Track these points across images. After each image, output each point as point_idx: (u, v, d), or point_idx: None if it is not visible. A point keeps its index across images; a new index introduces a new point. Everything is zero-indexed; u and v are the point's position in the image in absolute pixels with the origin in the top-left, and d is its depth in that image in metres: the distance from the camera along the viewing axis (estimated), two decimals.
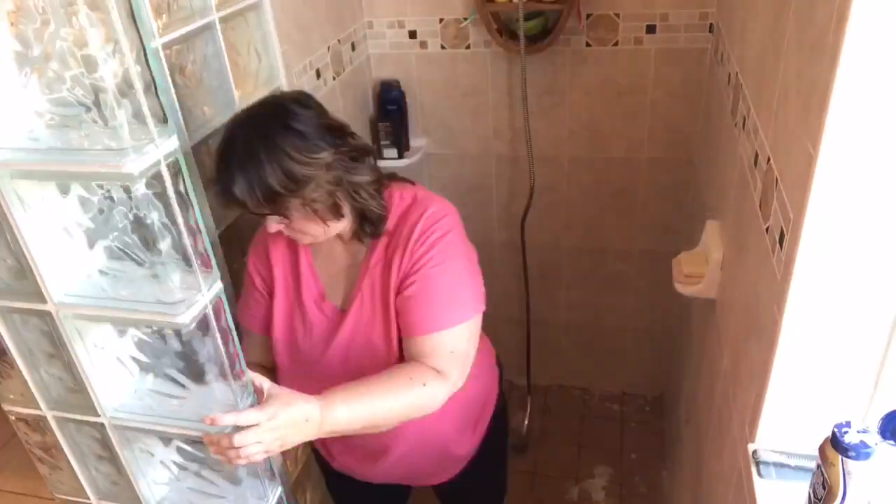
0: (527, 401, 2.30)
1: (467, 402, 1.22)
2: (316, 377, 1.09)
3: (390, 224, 1.09)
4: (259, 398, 1.03)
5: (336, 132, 1.02)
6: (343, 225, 1.07)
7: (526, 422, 2.27)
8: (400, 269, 1.06)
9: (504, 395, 1.40)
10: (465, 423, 1.26)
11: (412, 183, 1.15)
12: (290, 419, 0.98)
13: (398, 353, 1.10)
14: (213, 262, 1.22)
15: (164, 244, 1.13)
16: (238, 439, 0.96)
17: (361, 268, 1.12)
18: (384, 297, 1.09)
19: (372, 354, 1.11)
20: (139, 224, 1.13)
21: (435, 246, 1.05)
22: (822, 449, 0.73)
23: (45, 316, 1.20)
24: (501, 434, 1.40)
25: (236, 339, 1.32)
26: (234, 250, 1.33)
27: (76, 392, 1.31)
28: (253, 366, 1.14)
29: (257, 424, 0.97)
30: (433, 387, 1.02)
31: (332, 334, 1.14)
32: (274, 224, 1.04)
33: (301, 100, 1.03)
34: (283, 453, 1.55)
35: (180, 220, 1.10)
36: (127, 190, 1.09)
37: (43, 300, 1.18)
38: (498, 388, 1.37)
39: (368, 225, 1.08)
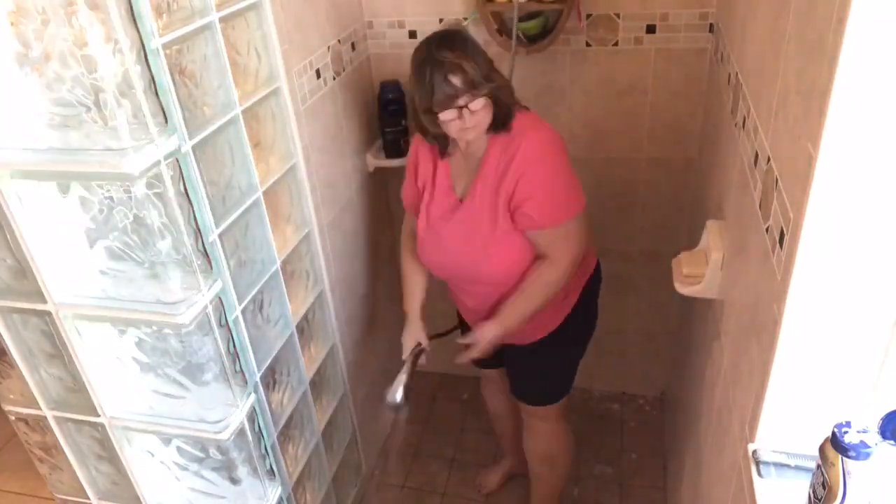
0: None
1: None
2: (441, 247, 1.52)
3: (514, 128, 1.39)
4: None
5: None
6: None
7: None
8: (516, 173, 1.37)
9: (598, 279, 1.66)
10: None
11: (528, 110, 1.47)
12: (487, 339, 1.50)
13: (501, 238, 1.42)
14: (213, 262, 1.22)
15: (164, 244, 1.13)
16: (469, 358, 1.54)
17: (481, 164, 1.42)
18: (495, 191, 1.40)
19: (480, 236, 1.44)
20: (139, 224, 1.13)
21: (541, 163, 1.37)
22: (821, 449, 0.73)
23: (45, 316, 1.21)
24: (584, 316, 1.63)
25: (236, 338, 1.33)
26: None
27: (76, 392, 1.31)
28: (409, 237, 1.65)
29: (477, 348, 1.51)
30: (555, 278, 1.44)
31: (451, 217, 1.48)
32: (451, 115, 1.33)
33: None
34: (283, 453, 1.55)
35: (180, 220, 1.10)
36: (127, 190, 1.09)
37: (43, 300, 1.18)
38: (593, 271, 1.62)
39: (499, 121, 1.38)
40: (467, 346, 1.53)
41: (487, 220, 1.43)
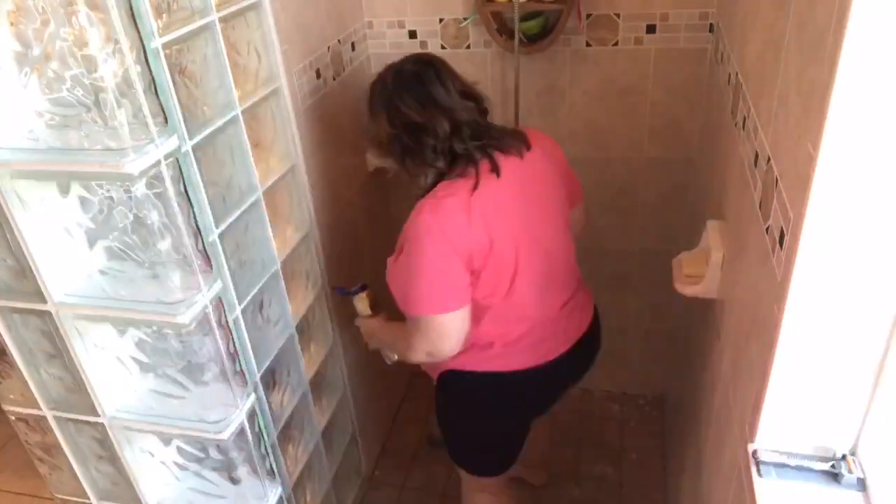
0: None
1: None
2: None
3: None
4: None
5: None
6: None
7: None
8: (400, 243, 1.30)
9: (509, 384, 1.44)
10: None
11: (468, 177, 1.27)
12: (365, 330, 1.61)
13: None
14: (213, 262, 1.22)
15: (164, 244, 1.13)
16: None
17: None
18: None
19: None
20: (139, 224, 1.13)
21: (414, 245, 1.24)
22: None
23: (45, 316, 1.21)
24: (451, 400, 1.50)
25: (236, 338, 1.33)
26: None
27: (76, 392, 1.31)
28: None
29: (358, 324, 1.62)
30: (406, 353, 1.37)
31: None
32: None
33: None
34: (283, 453, 1.55)
35: (180, 220, 1.10)
36: (127, 190, 1.09)
37: (43, 300, 1.18)
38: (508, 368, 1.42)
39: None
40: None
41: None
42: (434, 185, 1.30)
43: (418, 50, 1.93)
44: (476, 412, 1.48)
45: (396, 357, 1.59)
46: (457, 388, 1.46)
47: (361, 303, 1.61)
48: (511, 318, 1.35)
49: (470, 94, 1.33)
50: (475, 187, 1.24)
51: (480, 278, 1.28)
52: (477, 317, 1.33)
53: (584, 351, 1.50)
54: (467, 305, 1.28)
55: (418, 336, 1.30)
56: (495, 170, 1.28)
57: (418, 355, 1.34)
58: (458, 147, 1.28)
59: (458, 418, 1.53)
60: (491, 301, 1.31)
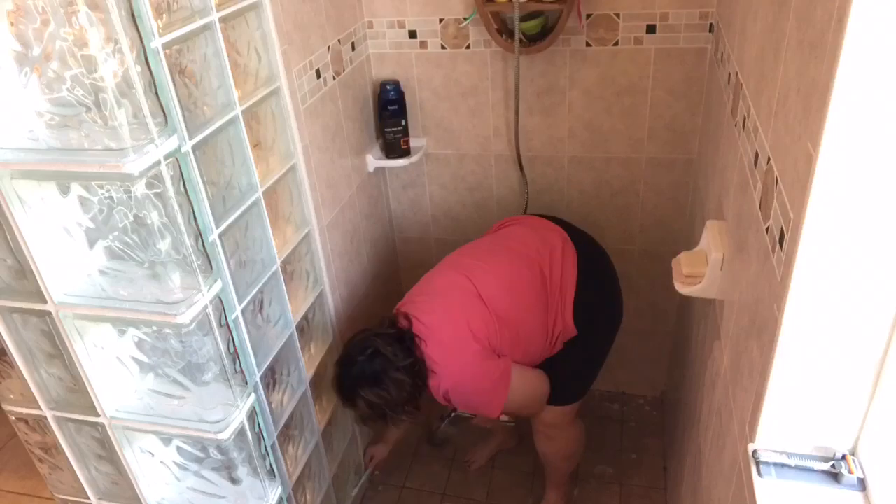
0: None
1: None
2: None
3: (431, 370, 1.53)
4: None
5: None
6: None
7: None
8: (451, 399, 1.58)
9: (590, 275, 1.70)
10: None
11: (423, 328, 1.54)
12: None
13: None
14: (213, 262, 1.22)
15: (164, 244, 1.13)
16: None
17: None
18: None
19: None
20: (139, 224, 1.13)
21: (455, 393, 1.56)
22: None
23: (45, 316, 1.21)
24: (590, 312, 1.67)
25: (236, 338, 1.33)
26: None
27: (76, 392, 1.31)
28: None
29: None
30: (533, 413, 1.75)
31: None
32: None
33: None
34: (283, 453, 1.55)
35: (180, 220, 1.10)
36: (127, 190, 1.09)
37: (43, 300, 1.18)
38: (573, 283, 1.66)
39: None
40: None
41: None
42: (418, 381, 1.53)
43: (418, 50, 1.93)
44: (604, 311, 1.73)
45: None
46: (592, 297, 1.67)
47: (461, 419, 1.85)
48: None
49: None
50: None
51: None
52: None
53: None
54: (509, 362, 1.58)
55: (526, 404, 1.67)
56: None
57: (541, 410, 1.72)
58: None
59: (600, 331, 1.73)
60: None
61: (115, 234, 1.18)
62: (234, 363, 1.31)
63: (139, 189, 1.06)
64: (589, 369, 1.74)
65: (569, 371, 1.70)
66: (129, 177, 1.01)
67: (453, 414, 1.92)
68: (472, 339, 1.51)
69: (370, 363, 1.48)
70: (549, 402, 1.71)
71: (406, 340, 1.50)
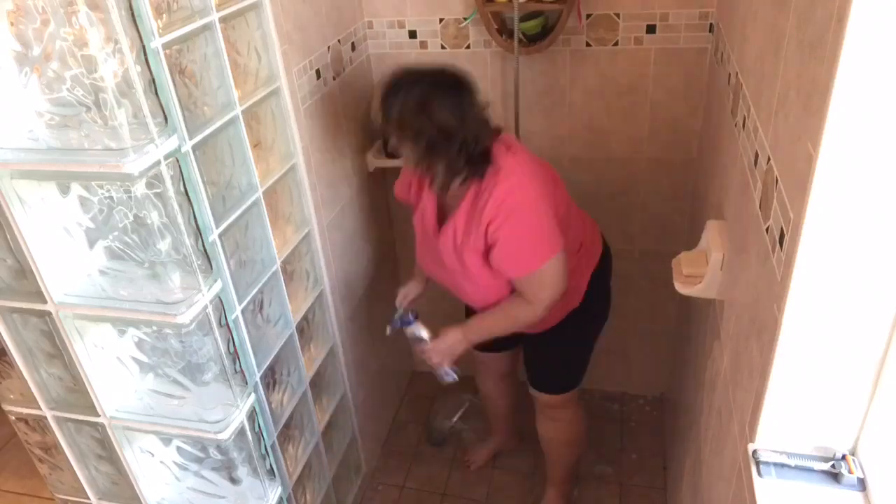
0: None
1: None
2: (430, 256, 1.60)
3: (488, 174, 1.39)
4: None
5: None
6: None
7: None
8: (482, 223, 1.39)
9: (606, 264, 1.71)
10: None
11: (508, 148, 1.42)
12: (447, 345, 1.60)
13: (475, 273, 1.48)
14: (213, 262, 1.22)
15: (164, 244, 1.13)
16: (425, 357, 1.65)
17: (458, 207, 1.44)
18: (465, 235, 1.44)
19: (452, 268, 1.52)
20: (139, 224, 1.13)
21: (508, 215, 1.36)
22: None
23: (45, 316, 1.21)
24: (596, 302, 1.68)
25: (236, 338, 1.33)
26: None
27: (76, 392, 1.31)
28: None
29: (430, 348, 1.62)
30: (526, 316, 1.48)
31: (433, 242, 1.53)
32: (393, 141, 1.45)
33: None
34: (283, 453, 1.55)
35: (180, 220, 1.10)
36: (127, 190, 1.09)
37: (43, 300, 1.18)
38: (599, 259, 1.66)
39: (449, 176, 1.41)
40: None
41: (456, 261, 1.49)
42: (450, 181, 1.42)
43: (418, 50, 1.93)
44: (607, 302, 1.73)
45: (456, 375, 1.68)
46: (600, 287, 1.67)
47: (422, 329, 1.65)
48: (570, 228, 1.52)
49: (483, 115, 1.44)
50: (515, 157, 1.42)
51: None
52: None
53: None
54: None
55: (547, 286, 1.43)
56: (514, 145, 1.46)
57: (541, 311, 1.46)
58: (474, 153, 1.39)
59: (599, 320, 1.74)
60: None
61: (115, 234, 1.18)
62: (234, 363, 1.31)
63: (139, 189, 1.06)
64: (580, 357, 1.76)
65: (561, 362, 1.74)
66: (129, 177, 1.01)
67: (468, 404, 2.00)
68: (540, 186, 1.41)
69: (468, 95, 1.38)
70: (550, 391, 1.75)
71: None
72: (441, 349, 1.60)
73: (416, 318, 1.68)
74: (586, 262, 1.62)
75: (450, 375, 1.67)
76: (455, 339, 1.58)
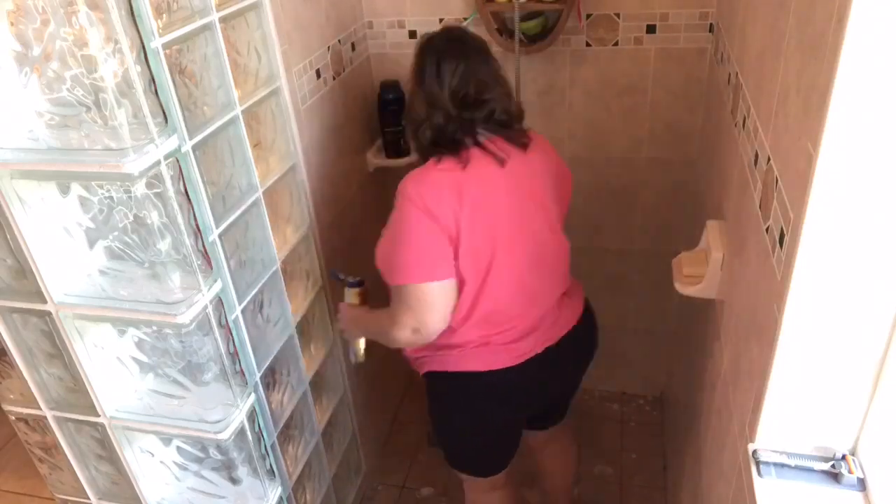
0: None
1: None
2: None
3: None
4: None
5: None
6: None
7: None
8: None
9: (458, 390, 1.44)
10: None
11: (456, 155, 1.28)
12: (345, 317, 1.57)
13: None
14: (213, 262, 1.22)
15: (164, 244, 1.13)
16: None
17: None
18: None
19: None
20: (139, 224, 1.13)
21: (400, 208, 1.26)
22: None
23: (45, 316, 1.21)
24: (436, 405, 1.51)
25: (236, 338, 1.33)
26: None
27: (76, 392, 1.31)
28: None
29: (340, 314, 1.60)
30: (387, 329, 1.33)
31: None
32: None
33: None
34: (283, 453, 1.55)
35: (180, 220, 1.10)
36: (127, 190, 1.09)
37: (43, 300, 1.18)
38: (450, 371, 1.40)
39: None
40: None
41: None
42: (427, 158, 1.32)
43: None
44: (460, 411, 1.46)
45: (363, 354, 1.62)
46: (438, 389, 1.46)
47: (353, 296, 1.58)
48: (488, 311, 1.32)
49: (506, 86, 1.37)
50: (465, 167, 1.26)
51: (458, 258, 1.26)
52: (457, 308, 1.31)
53: (574, 349, 1.47)
54: (452, 278, 1.26)
55: (404, 309, 1.27)
56: (497, 159, 1.29)
57: (404, 332, 1.29)
58: (466, 123, 1.30)
59: (444, 420, 1.52)
60: (467, 285, 1.28)
61: (115, 234, 1.18)
62: (234, 363, 1.31)
63: (139, 189, 1.06)
64: (443, 434, 1.55)
65: (434, 425, 1.56)
66: (129, 177, 1.01)
67: None
68: (424, 189, 1.25)
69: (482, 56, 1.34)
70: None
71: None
72: (345, 316, 1.55)
73: (360, 284, 1.57)
74: (433, 358, 1.40)
75: (351, 353, 1.63)
76: (350, 316, 1.53)
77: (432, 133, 1.30)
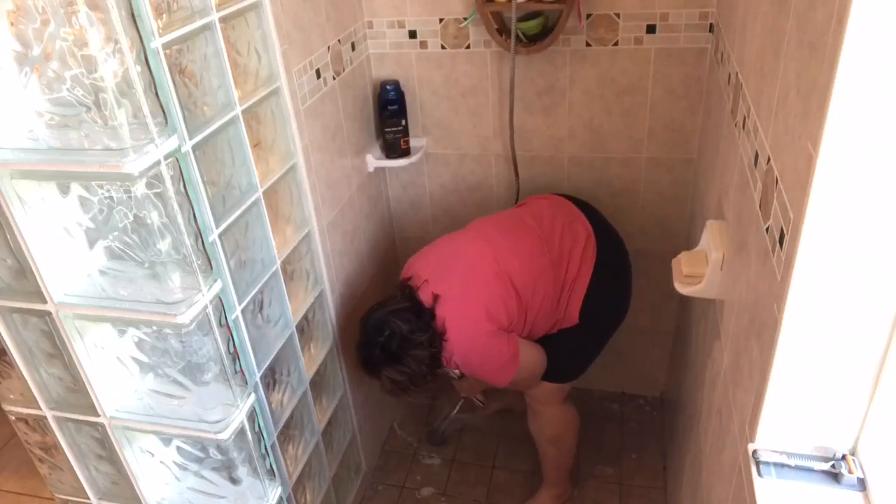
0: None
1: None
2: None
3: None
4: None
5: None
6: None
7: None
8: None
9: (609, 265, 1.73)
10: None
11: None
12: (470, 384, 2.02)
13: None
14: (213, 262, 1.22)
15: (164, 244, 1.13)
16: None
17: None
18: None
19: None
20: (139, 224, 1.13)
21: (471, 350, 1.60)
22: None
23: (45, 316, 1.21)
24: (600, 302, 1.70)
25: (236, 338, 1.33)
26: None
27: (76, 392, 1.31)
28: None
29: (459, 384, 2.03)
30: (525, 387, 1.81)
31: None
32: None
33: None
34: (283, 453, 1.55)
35: (180, 220, 1.10)
36: (127, 190, 1.09)
37: (43, 300, 1.18)
38: (594, 263, 1.69)
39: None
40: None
41: None
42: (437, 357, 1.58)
43: (418, 50, 1.93)
44: (616, 305, 1.76)
45: (480, 402, 2.15)
46: (606, 288, 1.70)
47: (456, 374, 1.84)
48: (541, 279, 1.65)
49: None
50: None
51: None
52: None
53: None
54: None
55: (525, 380, 1.70)
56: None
57: (535, 385, 1.77)
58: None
59: (604, 322, 1.76)
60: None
61: (115, 234, 1.18)
62: (234, 363, 1.31)
63: (139, 189, 1.06)
64: (586, 354, 1.78)
65: (566, 352, 1.74)
66: (129, 177, 1.01)
67: (461, 402, 2.11)
68: (486, 319, 1.53)
69: (389, 344, 1.52)
70: (543, 378, 1.76)
71: (424, 314, 1.53)
72: (464, 387, 1.96)
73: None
74: (568, 298, 1.67)
75: (478, 401, 2.09)
76: (467, 384, 1.92)
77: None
